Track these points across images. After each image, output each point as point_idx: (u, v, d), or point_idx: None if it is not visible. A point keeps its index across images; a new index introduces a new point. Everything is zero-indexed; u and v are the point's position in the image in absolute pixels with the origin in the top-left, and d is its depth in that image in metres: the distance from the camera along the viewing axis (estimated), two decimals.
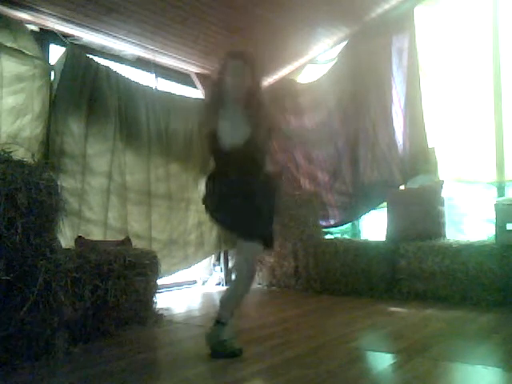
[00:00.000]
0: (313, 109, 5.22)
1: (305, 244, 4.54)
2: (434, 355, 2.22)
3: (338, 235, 5.14)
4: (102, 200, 3.87)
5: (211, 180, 2.43)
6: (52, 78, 3.66)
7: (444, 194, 4.10)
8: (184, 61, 4.79)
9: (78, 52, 3.80)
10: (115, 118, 4.03)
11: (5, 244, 2.11)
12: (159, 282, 3.33)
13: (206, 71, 5.04)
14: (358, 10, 4.55)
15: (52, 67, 3.68)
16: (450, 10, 4.36)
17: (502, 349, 2.41)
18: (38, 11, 3.59)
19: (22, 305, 2.17)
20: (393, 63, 4.58)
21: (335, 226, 5.12)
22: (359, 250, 4.17)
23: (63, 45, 3.80)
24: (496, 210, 3.51)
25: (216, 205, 2.39)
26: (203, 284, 5.09)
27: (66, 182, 3.45)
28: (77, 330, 2.56)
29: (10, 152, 2.30)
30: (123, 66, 4.46)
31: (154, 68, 4.69)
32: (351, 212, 4.95)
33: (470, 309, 3.34)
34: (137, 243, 3.71)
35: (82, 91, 3.78)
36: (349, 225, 5.16)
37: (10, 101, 3.33)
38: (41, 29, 3.76)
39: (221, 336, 2.27)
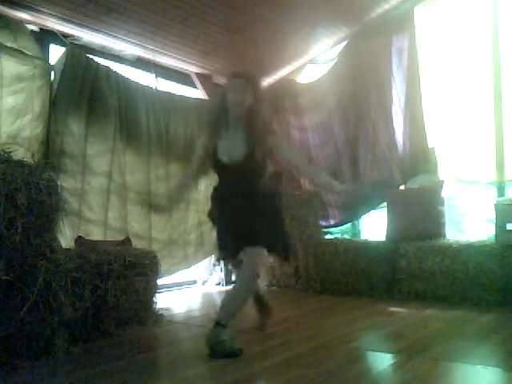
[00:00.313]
0: (313, 109, 5.22)
1: (305, 244, 4.53)
2: (434, 355, 2.22)
3: (338, 235, 5.15)
4: (102, 200, 3.87)
5: (216, 194, 2.57)
6: (52, 78, 3.66)
7: (444, 194, 4.10)
8: (184, 61, 4.79)
9: (77, 52, 3.80)
10: (115, 118, 4.03)
11: (5, 244, 2.11)
12: (159, 282, 3.32)
13: (206, 71, 5.04)
14: (358, 10, 4.55)
15: (52, 67, 3.68)
16: (450, 10, 4.36)
17: (502, 349, 2.41)
18: (38, 11, 3.59)
19: (22, 305, 2.17)
20: (393, 63, 4.58)
21: (335, 225, 5.13)
22: (359, 250, 4.17)
23: (63, 45, 3.80)
24: (496, 210, 3.51)
25: (222, 215, 2.53)
26: (203, 284, 5.09)
27: (66, 182, 3.45)
28: (77, 329, 2.55)
29: (10, 152, 2.30)
30: (123, 66, 4.46)
31: (154, 68, 4.69)
32: (351, 212, 4.96)
33: (469, 309, 3.34)
34: (137, 243, 3.71)
35: (81, 91, 3.78)
36: (349, 225, 5.17)
37: (9, 101, 3.33)
38: (41, 29, 3.77)
39: (220, 336, 2.27)
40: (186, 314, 3.59)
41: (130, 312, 2.94)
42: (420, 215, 3.98)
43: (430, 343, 2.46)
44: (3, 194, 2.11)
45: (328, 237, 4.85)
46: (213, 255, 5.07)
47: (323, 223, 5.01)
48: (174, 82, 5.01)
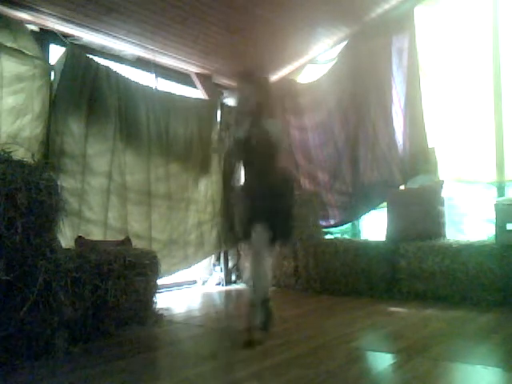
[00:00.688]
0: (313, 109, 5.23)
1: (305, 244, 4.53)
2: (434, 355, 2.22)
3: (338, 235, 5.15)
4: (102, 200, 3.87)
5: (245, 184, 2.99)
6: (52, 78, 3.66)
7: (444, 194, 4.10)
8: (184, 61, 4.79)
9: (77, 52, 3.80)
10: (115, 118, 4.03)
11: (5, 244, 2.11)
12: (159, 282, 3.32)
13: (205, 71, 5.04)
14: (358, 10, 4.56)
15: (52, 67, 3.68)
16: (450, 10, 4.36)
17: (502, 349, 2.41)
18: (38, 11, 3.59)
19: (22, 305, 2.17)
20: (393, 63, 4.58)
21: (335, 225, 5.13)
22: (359, 250, 4.17)
23: (63, 45, 3.80)
24: (496, 210, 3.51)
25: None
26: (203, 284, 5.09)
27: (66, 182, 3.45)
28: (77, 329, 2.55)
29: (10, 152, 2.30)
30: (123, 65, 4.46)
31: (154, 68, 4.69)
32: (351, 212, 4.96)
33: (469, 309, 3.34)
34: (137, 243, 3.71)
35: (81, 91, 3.78)
36: (349, 225, 5.17)
37: (9, 101, 3.33)
38: (41, 29, 3.76)
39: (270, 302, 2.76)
40: (185, 314, 3.59)
41: (129, 312, 2.95)
42: (420, 215, 3.98)
43: (430, 343, 2.46)
44: (3, 194, 2.12)
45: (328, 237, 4.85)
46: (213, 255, 5.08)
47: (323, 223, 5.01)
48: (174, 82, 5.01)
